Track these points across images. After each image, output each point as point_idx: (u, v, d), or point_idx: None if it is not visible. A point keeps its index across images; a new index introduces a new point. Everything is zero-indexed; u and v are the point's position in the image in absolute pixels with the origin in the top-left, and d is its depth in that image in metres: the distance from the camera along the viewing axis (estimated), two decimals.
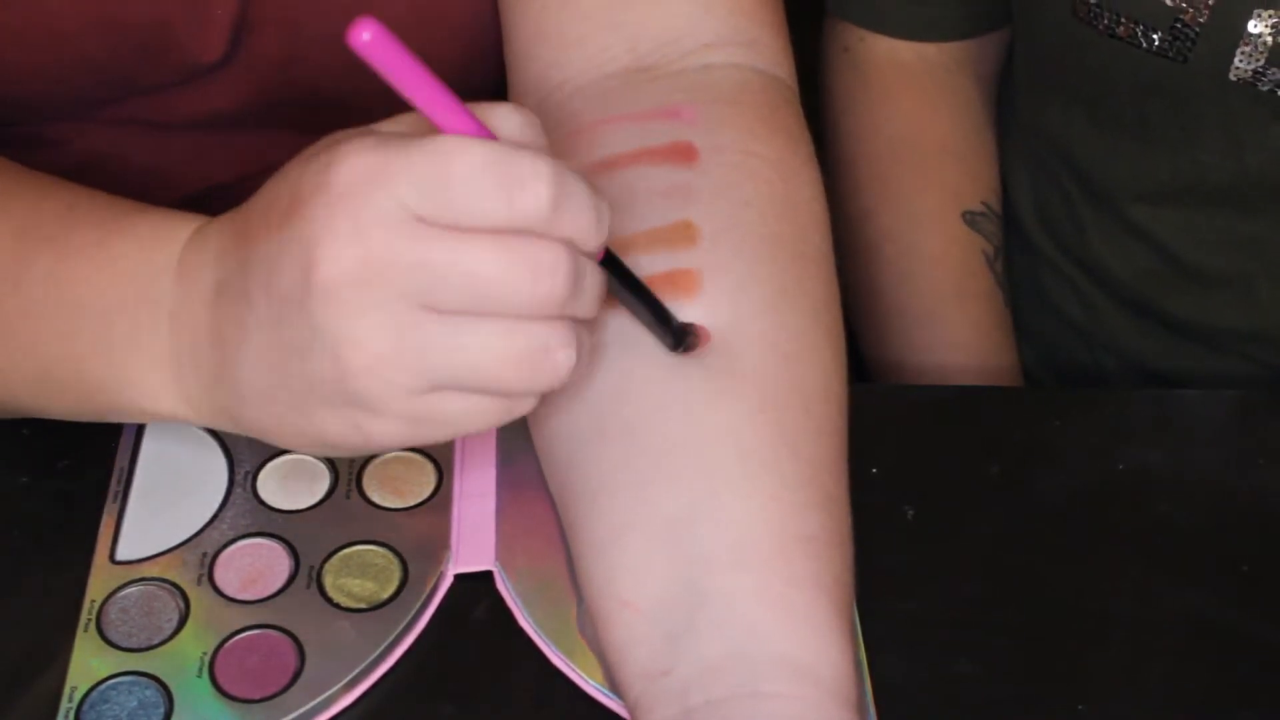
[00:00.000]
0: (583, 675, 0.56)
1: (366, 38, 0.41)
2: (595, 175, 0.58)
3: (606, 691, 0.56)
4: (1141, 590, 0.61)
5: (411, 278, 0.44)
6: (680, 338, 0.53)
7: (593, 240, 0.46)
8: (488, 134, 0.45)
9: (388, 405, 0.46)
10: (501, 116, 0.47)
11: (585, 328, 0.47)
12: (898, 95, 0.90)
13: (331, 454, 0.50)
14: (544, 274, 0.44)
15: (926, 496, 0.64)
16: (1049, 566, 0.62)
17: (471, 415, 0.47)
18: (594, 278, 0.47)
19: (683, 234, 0.56)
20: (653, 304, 0.52)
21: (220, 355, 0.50)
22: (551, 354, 0.46)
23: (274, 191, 0.48)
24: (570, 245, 0.45)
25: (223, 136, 0.74)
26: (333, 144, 0.46)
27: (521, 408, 0.48)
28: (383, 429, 0.47)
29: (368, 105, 0.75)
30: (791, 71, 0.64)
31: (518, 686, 0.57)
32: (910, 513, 0.63)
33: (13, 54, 0.66)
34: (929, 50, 0.90)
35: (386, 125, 0.48)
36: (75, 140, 0.73)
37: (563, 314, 0.46)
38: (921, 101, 0.90)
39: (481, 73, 0.74)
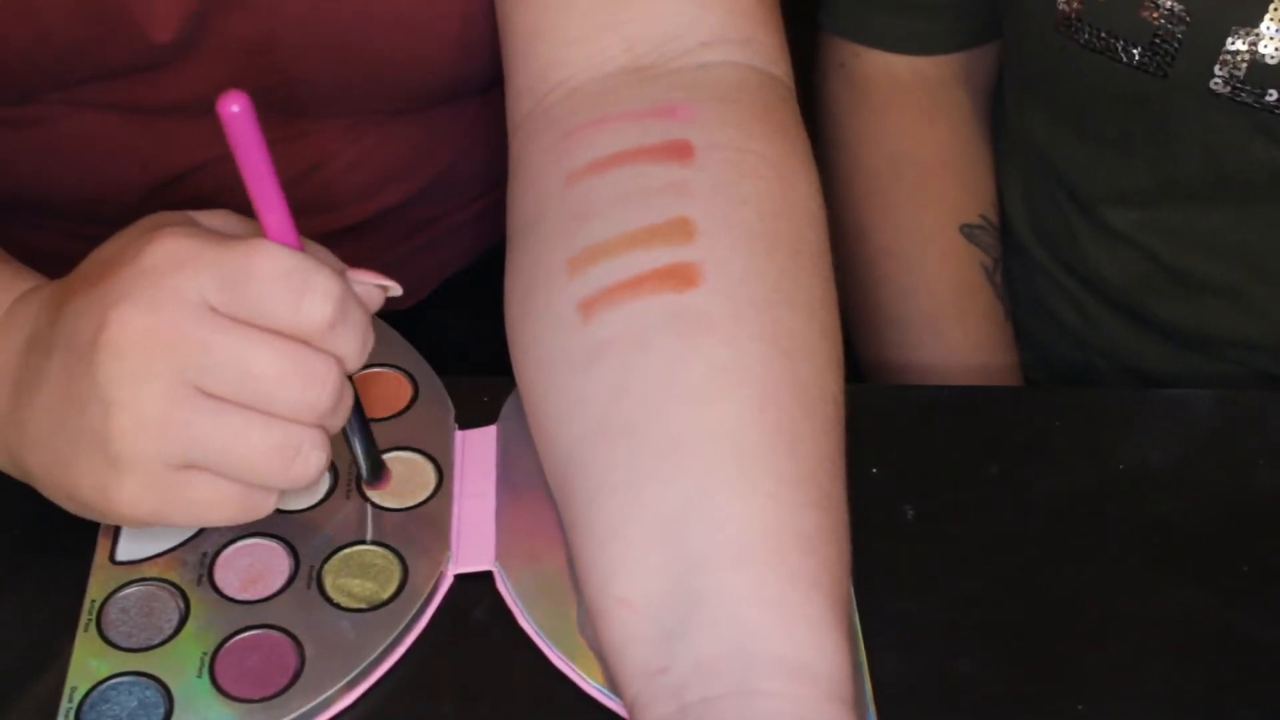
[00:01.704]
0: (583, 675, 0.56)
1: (235, 110, 0.46)
2: (592, 173, 0.58)
3: (606, 691, 0.56)
4: (1141, 590, 0.61)
5: (192, 358, 0.49)
6: (375, 475, 0.59)
7: (354, 363, 0.51)
8: (298, 245, 0.50)
9: (140, 469, 0.50)
10: (315, 249, 0.52)
11: (326, 442, 0.52)
12: (894, 110, 0.90)
13: (79, 512, 0.54)
14: (314, 382, 0.49)
15: (926, 496, 0.64)
16: (1049, 566, 0.62)
17: (215, 504, 0.51)
18: (348, 397, 0.52)
19: (680, 230, 0.56)
20: (369, 438, 0.58)
21: (15, 400, 0.53)
22: (305, 455, 0.50)
23: (95, 259, 0.53)
24: (339, 361, 0.50)
25: (201, 120, 0.74)
26: (156, 226, 0.51)
27: (263, 506, 0.52)
28: (129, 495, 0.50)
29: (343, 88, 0.75)
30: (788, 70, 0.64)
31: (518, 686, 0.57)
32: (910, 513, 0.63)
33: None
34: (923, 64, 0.90)
35: (206, 218, 0.54)
36: (54, 123, 0.73)
37: (319, 421, 0.50)
38: (918, 116, 0.90)
39: (471, 73, 0.74)
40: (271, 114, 0.75)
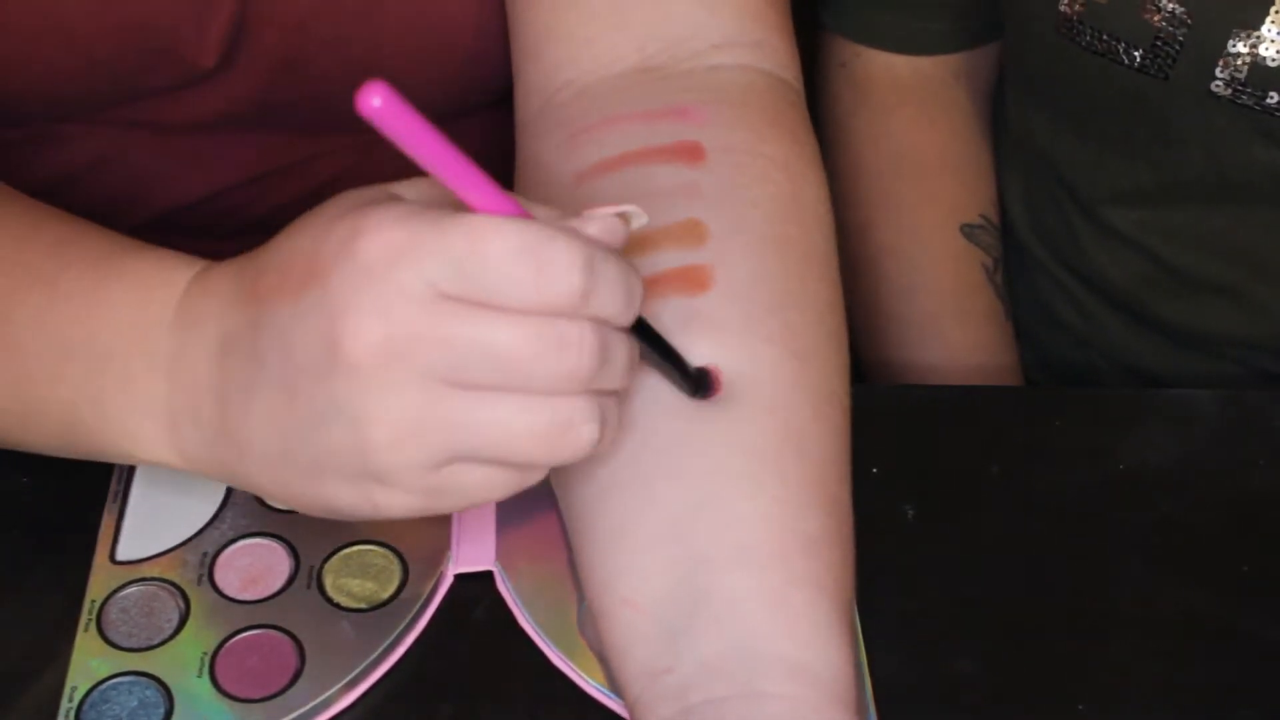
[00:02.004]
0: (583, 675, 0.56)
1: (377, 103, 0.40)
2: (601, 174, 0.58)
3: (606, 691, 0.56)
4: (1142, 590, 0.61)
5: (436, 355, 0.44)
6: (700, 385, 0.53)
7: (624, 318, 0.46)
8: (522, 212, 0.45)
9: (405, 479, 0.46)
10: (538, 210, 0.46)
11: (613, 398, 0.47)
12: (895, 109, 0.90)
13: (337, 518, 0.50)
14: (569, 351, 0.44)
15: (926, 496, 0.64)
16: (1049, 566, 0.62)
17: (487, 487, 0.47)
18: (622, 350, 0.46)
19: (691, 232, 0.56)
20: (675, 359, 0.52)
21: (223, 413, 0.49)
22: (575, 429, 0.45)
23: (290, 250, 0.47)
24: (601, 322, 0.45)
25: (226, 139, 0.74)
26: (356, 208, 0.45)
27: (535, 477, 0.48)
28: (398, 501, 0.47)
29: None
30: (798, 74, 0.64)
31: (518, 686, 0.57)
32: (910, 513, 0.63)
33: (24, 53, 0.66)
34: (925, 64, 0.90)
35: (406, 190, 0.48)
36: (79, 141, 0.73)
37: (588, 389, 0.45)
38: (919, 115, 0.90)
39: (482, 78, 0.74)
40: (288, 134, 0.75)
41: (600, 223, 0.46)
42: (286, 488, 0.49)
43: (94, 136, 0.73)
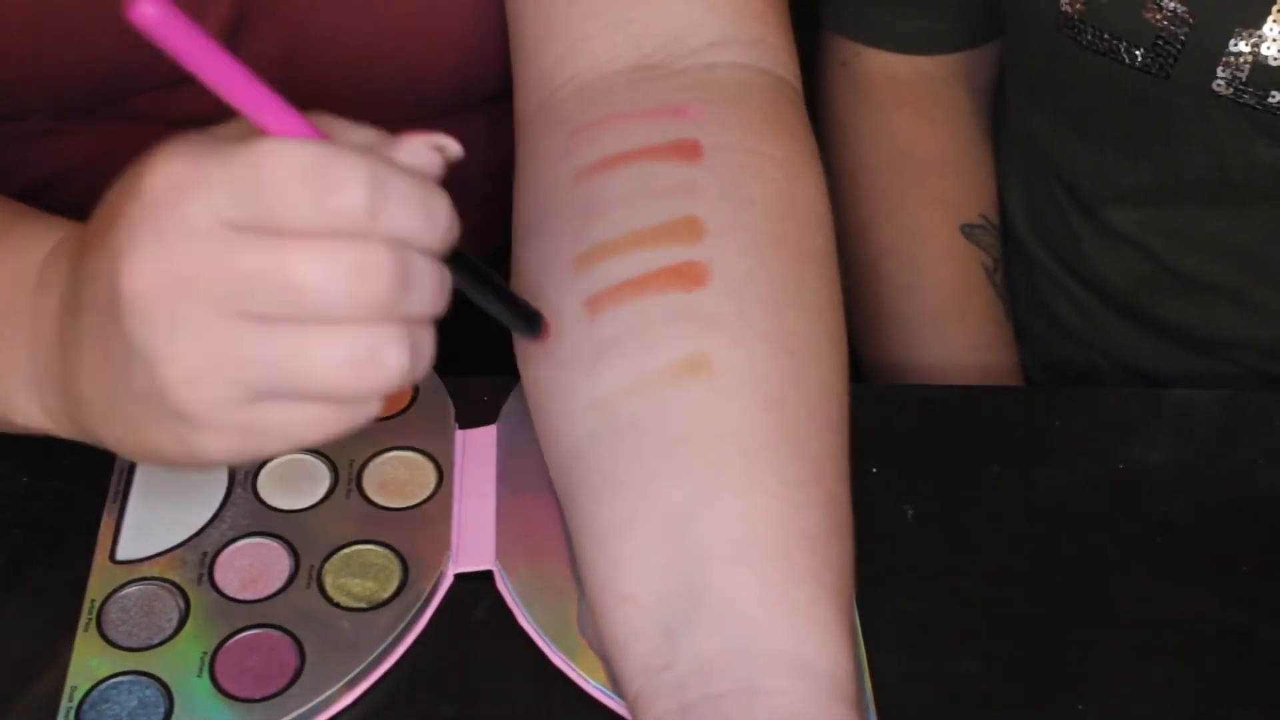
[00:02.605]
0: (583, 675, 0.56)
1: (150, 11, 0.38)
2: (599, 172, 0.58)
3: (607, 691, 0.56)
4: (1141, 590, 0.61)
5: (221, 287, 0.42)
6: (531, 324, 0.52)
7: (425, 237, 0.44)
8: (313, 132, 0.43)
9: (210, 419, 0.44)
10: (341, 128, 0.45)
11: (425, 325, 0.45)
12: (895, 109, 0.90)
13: (171, 467, 0.49)
14: (365, 276, 0.42)
15: (926, 496, 0.64)
16: (1049, 566, 0.62)
17: (305, 424, 0.45)
18: (428, 275, 0.44)
19: (688, 229, 0.56)
20: (504, 295, 0.51)
21: (64, 369, 0.49)
22: (380, 357, 0.43)
23: (107, 197, 0.47)
24: (398, 244, 0.43)
25: None
26: (160, 148, 0.44)
27: (362, 413, 0.45)
28: (210, 442, 0.45)
29: (371, 104, 0.75)
30: (796, 72, 0.65)
31: (518, 686, 0.57)
32: (910, 512, 0.63)
33: (21, 48, 0.66)
34: (925, 64, 0.90)
35: (221, 130, 0.46)
36: (76, 137, 0.73)
37: (391, 315, 0.43)
38: (919, 115, 0.90)
39: (481, 74, 0.74)
40: None
41: (407, 147, 0.45)
42: (120, 441, 0.48)
43: (91, 132, 0.73)
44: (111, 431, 0.48)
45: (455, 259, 0.46)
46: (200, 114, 0.72)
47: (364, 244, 0.42)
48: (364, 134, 0.45)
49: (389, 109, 0.77)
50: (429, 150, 0.45)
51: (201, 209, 0.42)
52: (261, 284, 0.42)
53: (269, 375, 0.43)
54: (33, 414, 0.53)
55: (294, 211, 0.42)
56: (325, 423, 0.45)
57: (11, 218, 0.55)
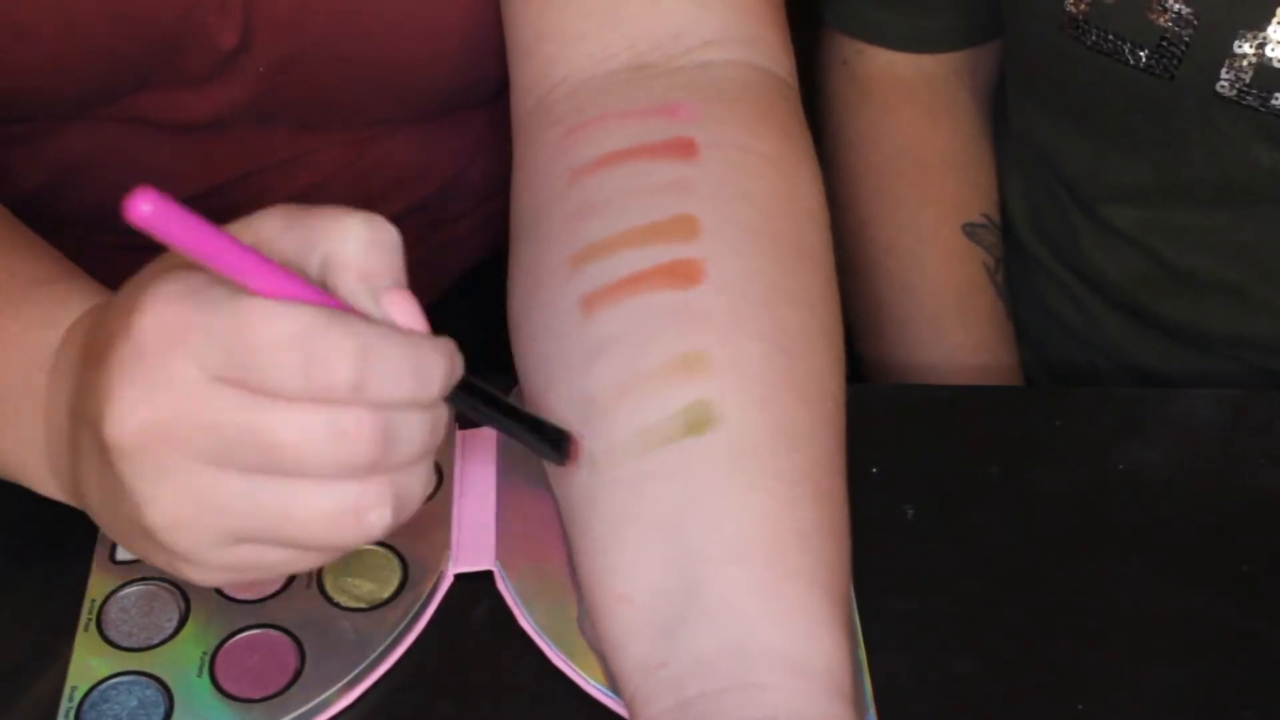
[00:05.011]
0: (583, 675, 0.56)
1: (146, 210, 0.38)
2: (594, 170, 0.58)
3: (606, 691, 0.56)
4: (1141, 590, 0.61)
5: (205, 440, 0.43)
6: (558, 447, 0.52)
7: (420, 399, 0.43)
8: (306, 292, 0.43)
9: (195, 558, 0.46)
10: (348, 229, 0.44)
11: (414, 470, 0.45)
12: (896, 108, 0.90)
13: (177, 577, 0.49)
14: (346, 440, 0.42)
15: (926, 496, 0.64)
16: (1049, 566, 0.62)
17: (287, 564, 0.46)
18: (415, 428, 0.44)
19: (683, 227, 0.56)
20: (524, 419, 0.51)
21: (72, 462, 0.50)
22: (361, 516, 0.44)
23: (105, 311, 0.48)
24: (384, 406, 0.43)
25: (227, 135, 0.74)
26: (146, 280, 0.44)
27: (336, 554, 0.47)
28: (201, 575, 0.47)
29: (372, 104, 0.76)
30: (792, 69, 0.65)
31: (518, 686, 0.57)
32: (910, 512, 0.63)
33: (26, 47, 0.66)
34: (926, 62, 0.90)
35: (264, 226, 0.45)
36: (79, 137, 0.73)
37: (376, 470, 0.43)
38: (920, 114, 0.90)
39: (477, 80, 0.74)
40: (286, 131, 0.75)
41: (401, 308, 0.44)
42: (121, 541, 0.49)
43: (94, 133, 0.73)
44: (117, 537, 0.50)
45: (468, 389, 0.46)
46: (201, 116, 0.72)
47: (347, 410, 0.42)
48: (358, 285, 0.44)
49: (389, 109, 0.77)
50: (417, 308, 0.45)
51: (189, 362, 0.42)
52: (242, 440, 0.42)
53: (250, 526, 0.44)
54: (49, 487, 0.54)
55: (279, 376, 0.42)
56: (308, 561, 0.47)
57: (29, 287, 0.55)
